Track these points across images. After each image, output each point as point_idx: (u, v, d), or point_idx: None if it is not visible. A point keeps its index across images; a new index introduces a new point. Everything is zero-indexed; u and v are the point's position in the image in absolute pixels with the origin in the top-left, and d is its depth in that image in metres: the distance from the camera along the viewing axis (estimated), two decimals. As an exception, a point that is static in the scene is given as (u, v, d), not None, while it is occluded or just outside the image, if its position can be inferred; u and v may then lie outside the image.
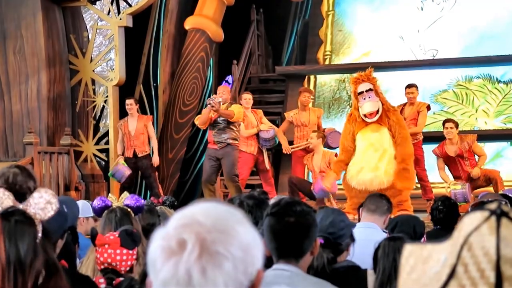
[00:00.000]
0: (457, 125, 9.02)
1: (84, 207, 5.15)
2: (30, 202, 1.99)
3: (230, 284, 1.12)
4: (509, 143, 11.31)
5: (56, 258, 2.01)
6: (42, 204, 1.98)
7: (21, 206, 1.99)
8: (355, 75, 8.10)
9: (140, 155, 9.64)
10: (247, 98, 9.74)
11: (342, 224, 3.13)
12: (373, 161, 7.70)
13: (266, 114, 12.87)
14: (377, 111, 7.77)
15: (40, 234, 1.94)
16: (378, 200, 4.25)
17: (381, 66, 12.26)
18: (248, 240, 1.16)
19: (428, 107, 9.46)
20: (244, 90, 12.97)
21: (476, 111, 11.61)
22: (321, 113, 10.07)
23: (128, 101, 9.67)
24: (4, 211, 1.92)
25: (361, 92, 7.84)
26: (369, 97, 7.80)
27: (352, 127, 7.93)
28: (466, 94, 11.81)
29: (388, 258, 2.86)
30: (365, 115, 7.79)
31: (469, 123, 11.64)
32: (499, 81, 11.75)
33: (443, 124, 9.07)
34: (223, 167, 8.82)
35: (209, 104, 8.46)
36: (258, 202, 3.40)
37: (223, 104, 8.71)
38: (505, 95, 11.64)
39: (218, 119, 8.74)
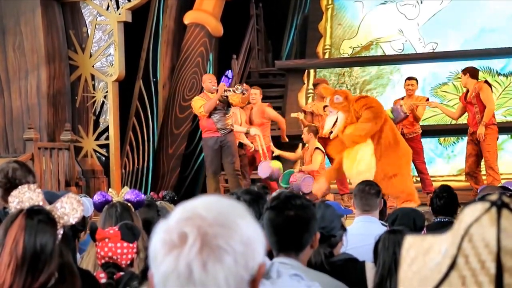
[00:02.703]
0: (468, 73, 8.79)
1: (84, 207, 5.07)
2: (57, 205, 2.01)
3: (230, 279, 1.12)
4: (509, 136, 11.30)
5: (73, 263, 2.02)
6: (67, 209, 2.00)
7: (48, 207, 2.00)
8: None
9: None
10: (253, 93, 9.69)
11: (332, 216, 3.14)
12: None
13: (266, 108, 12.90)
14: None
15: (59, 237, 1.95)
16: (368, 197, 4.23)
17: (380, 59, 12.27)
18: (249, 234, 1.16)
19: (427, 101, 9.50)
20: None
21: (476, 104, 11.59)
22: None
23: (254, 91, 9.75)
24: (30, 209, 1.94)
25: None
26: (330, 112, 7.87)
27: None
28: (466, 87, 11.78)
29: (388, 251, 2.86)
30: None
31: (469, 116, 11.64)
32: (499, 74, 11.73)
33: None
34: (224, 158, 8.78)
35: (236, 89, 8.58)
36: (255, 197, 3.40)
37: (212, 93, 8.80)
38: (505, 87, 11.63)
39: (219, 106, 8.75)
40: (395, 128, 7.88)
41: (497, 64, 11.75)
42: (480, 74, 11.76)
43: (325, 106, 8.44)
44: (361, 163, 7.60)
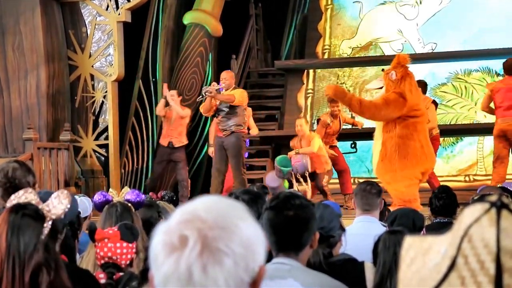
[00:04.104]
0: None
1: (82, 207, 5.01)
2: (48, 202, 2.02)
3: (230, 281, 1.12)
4: None
5: (59, 256, 2.03)
6: (55, 203, 2.02)
7: (40, 206, 2.01)
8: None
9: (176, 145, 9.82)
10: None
11: (331, 216, 3.13)
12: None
13: (265, 108, 12.90)
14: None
15: (46, 232, 1.95)
16: (370, 197, 4.23)
17: (379, 59, 12.25)
18: (249, 235, 1.16)
19: (434, 102, 9.50)
20: (244, 84, 12.98)
21: (475, 104, 11.59)
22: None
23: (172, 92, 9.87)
24: (16, 204, 1.95)
25: None
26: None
27: None
28: (465, 87, 11.79)
29: (388, 251, 2.86)
30: None
31: (468, 116, 11.64)
32: (498, 74, 11.73)
33: None
34: (228, 158, 8.74)
35: (205, 91, 8.48)
36: (253, 197, 3.41)
37: (226, 90, 8.67)
38: (504, 88, 11.62)
39: (221, 106, 8.69)
40: (428, 141, 7.84)
41: (496, 64, 11.75)
42: (479, 74, 11.80)
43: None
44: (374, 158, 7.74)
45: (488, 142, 11.10)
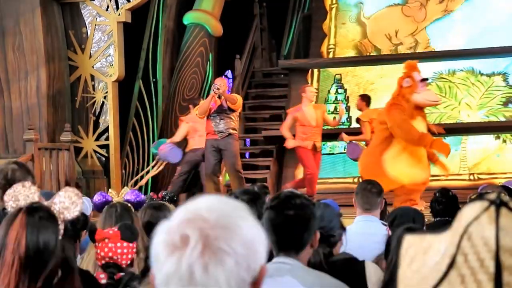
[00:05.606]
0: None
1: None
2: (55, 200, 2.00)
3: (232, 281, 1.12)
4: (494, 136, 11.33)
5: (73, 256, 2.03)
6: (67, 203, 1.99)
7: (45, 203, 2.00)
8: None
9: None
10: (313, 91, 9.83)
11: (331, 216, 3.14)
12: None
13: (269, 108, 12.88)
14: None
15: (61, 232, 1.95)
16: (369, 195, 4.23)
17: (383, 59, 12.26)
18: (251, 236, 1.16)
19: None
20: (248, 84, 12.98)
21: (459, 104, 11.61)
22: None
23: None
24: (29, 206, 1.94)
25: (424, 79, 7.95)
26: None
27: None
28: (449, 87, 11.79)
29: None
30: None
31: (452, 116, 11.64)
32: (481, 74, 11.75)
33: None
34: (225, 159, 8.79)
35: (216, 88, 8.54)
36: (253, 197, 3.41)
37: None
38: (488, 87, 11.64)
39: (218, 108, 8.73)
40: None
41: (479, 64, 11.76)
42: (463, 74, 11.84)
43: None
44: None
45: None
